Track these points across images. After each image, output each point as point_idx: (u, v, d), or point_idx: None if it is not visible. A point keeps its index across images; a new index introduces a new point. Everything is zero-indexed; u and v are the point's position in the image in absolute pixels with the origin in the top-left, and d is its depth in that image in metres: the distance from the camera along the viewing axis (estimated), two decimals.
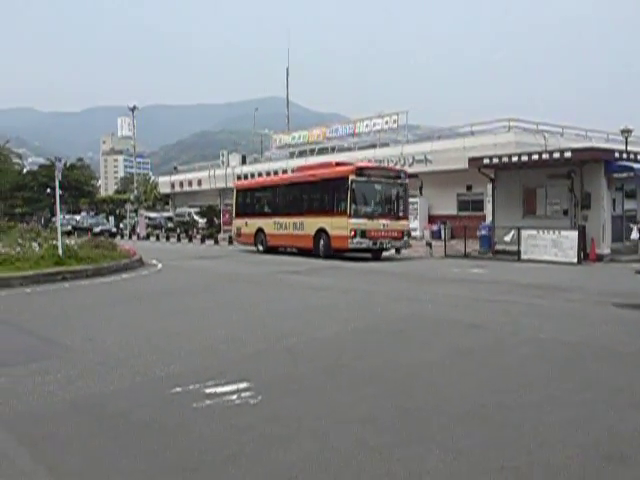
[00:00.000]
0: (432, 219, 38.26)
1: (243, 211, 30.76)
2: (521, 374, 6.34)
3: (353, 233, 21.60)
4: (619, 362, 6.92)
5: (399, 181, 23.24)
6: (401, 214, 23.32)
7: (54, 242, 17.76)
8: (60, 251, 16.71)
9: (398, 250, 24.65)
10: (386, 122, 43.19)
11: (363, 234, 21.73)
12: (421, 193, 26.29)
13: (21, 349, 7.92)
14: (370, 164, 28.07)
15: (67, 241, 19.10)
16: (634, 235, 19.76)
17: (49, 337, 8.53)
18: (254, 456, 4.24)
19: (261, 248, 28.30)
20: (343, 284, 14.89)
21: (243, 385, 5.86)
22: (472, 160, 25.19)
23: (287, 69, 67.73)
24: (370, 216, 22.13)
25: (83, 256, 17.26)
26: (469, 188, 36.95)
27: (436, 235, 33.98)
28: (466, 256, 24.30)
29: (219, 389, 5.77)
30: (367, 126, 44.75)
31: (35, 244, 17.78)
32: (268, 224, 27.66)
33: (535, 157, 22.41)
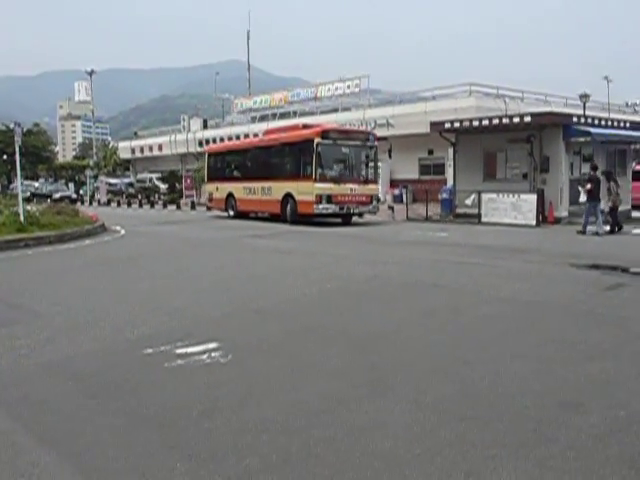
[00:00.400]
0: (394, 183, 38.51)
1: (214, 176, 30.36)
2: (482, 331, 6.60)
3: (318, 198, 21.11)
4: (575, 319, 7.22)
5: (368, 144, 22.74)
6: (370, 178, 22.97)
7: (14, 209, 17.55)
8: (22, 218, 16.52)
9: (361, 214, 23.73)
10: (348, 86, 43.09)
11: (329, 199, 21.28)
12: (390, 157, 24.45)
13: None
14: (337, 126, 27.03)
15: (28, 207, 18.86)
16: (582, 198, 20.26)
17: (16, 303, 8.55)
18: (228, 411, 4.39)
19: (232, 213, 28.12)
20: (308, 248, 15.06)
21: (212, 345, 6.00)
22: (433, 124, 25.37)
23: (248, 32, 66.62)
24: (337, 180, 21.58)
25: (45, 223, 17.11)
26: (430, 152, 37.21)
27: (398, 199, 34.25)
28: (427, 219, 24.62)
29: (189, 349, 5.90)
30: (329, 90, 44.59)
31: None
32: (238, 189, 27.47)
33: (495, 121, 22.67)
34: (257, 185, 25.76)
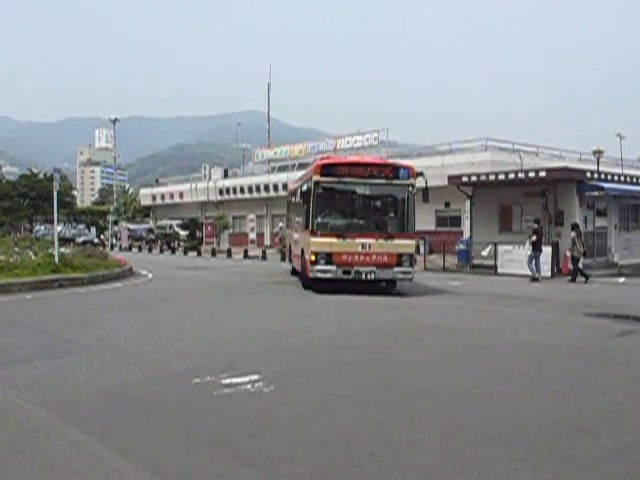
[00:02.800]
0: None
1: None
2: (502, 369, 7.18)
3: (315, 257, 15.47)
4: (587, 360, 7.81)
5: (396, 182, 15.91)
6: (399, 230, 16.11)
7: (49, 251, 18.32)
8: (56, 259, 17.27)
9: (390, 282, 16.54)
10: (367, 139, 44.19)
11: (329, 258, 15.42)
12: (426, 199, 16.63)
13: (41, 347, 8.53)
14: (343, 158, 20.16)
15: (62, 250, 19.66)
16: (527, 248, 21.22)
17: (64, 337, 9.17)
18: (277, 431, 4.96)
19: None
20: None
21: (255, 377, 6.57)
22: (451, 178, 26.11)
23: (268, 85, 68.58)
24: (341, 232, 15.55)
25: (78, 265, 17.82)
26: (447, 205, 37.89)
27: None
28: (445, 270, 25.16)
29: (234, 380, 6.46)
30: (348, 142, 45.73)
31: (31, 252, 18.32)
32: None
33: (511, 176, 23.41)
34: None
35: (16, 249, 18.54)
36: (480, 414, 5.38)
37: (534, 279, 20.12)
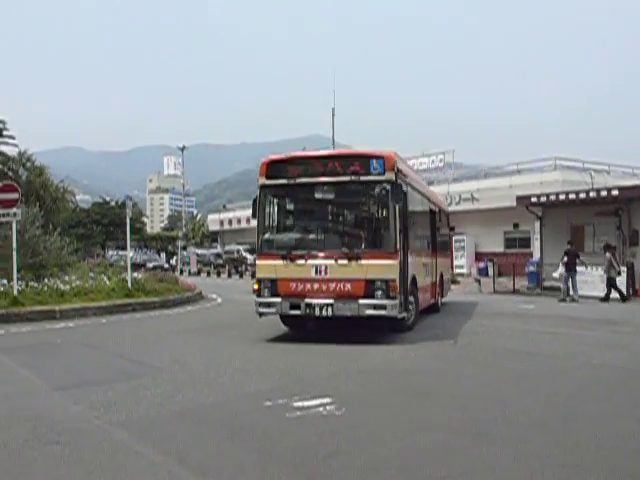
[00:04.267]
0: (479, 256, 38.66)
1: None
2: (577, 393, 7.02)
3: (257, 286, 11.58)
4: None
5: (366, 178, 11.12)
6: (369, 245, 11.25)
7: (122, 275, 18.87)
8: (129, 284, 17.75)
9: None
10: (432, 161, 43.96)
11: (274, 288, 11.33)
12: (398, 198, 11.05)
13: (116, 369, 8.79)
14: (295, 153, 13.59)
15: (134, 275, 20.21)
16: (561, 269, 21.56)
17: (138, 360, 9.41)
18: (350, 453, 4.96)
19: None
20: None
21: (326, 400, 6.58)
22: (520, 198, 25.73)
23: (333, 110, 69.00)
24: (288, 253, 11.29)
25: (150, 289, 18.29)
26: (516, 226, 37.33)
27: (483, 272, 34.33)
28: (515, 292, 24.71)
29: (305, 403, 6.50)
30: (414, 165, 45.57)
31: (105, 277, 18.90)
32: None
33: (582, 195, 22.87)
34: None
35: (91, 274, 19.20)
36: (556, 439, 5.25)
37: (562, 300, 20.87)
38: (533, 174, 36.52)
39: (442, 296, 17.76)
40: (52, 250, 19.42)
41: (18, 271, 15.66)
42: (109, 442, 5.34)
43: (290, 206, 12.59)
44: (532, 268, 26.35)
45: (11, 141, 37.56)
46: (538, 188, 30.63)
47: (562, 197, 23.56)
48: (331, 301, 10.82)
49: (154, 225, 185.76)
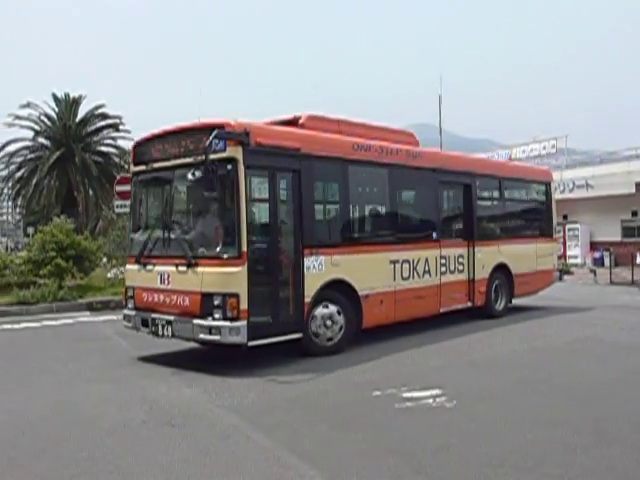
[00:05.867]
0: (594, 246, 37.09)
1: None
2: None
3: (124, 296, 9.42)
4: None
5: (212, 157, 7.65)
6: (210, 246, 8.12)
7: None
8: None
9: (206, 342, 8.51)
10: (544, 147, 42.42)
11: (132, 298, 9.06)
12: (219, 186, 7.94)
13: (225, 357, 8.94)
14: (156, 130, 9.35)
15: None
16: None
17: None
18: (460, 448, 4.86)
19: None
20: None
21: (436, 392, 6.48)
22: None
23: (440, 97, 68.00)
24: (140, 256, 8.94)
25: None
26: (634, 214, 35.53)
27: (599, 262, 32.95)
28: (633, 283, 23.51)
29: (414, 394, 6.42)
30: (524, 151, 44.12)
31: None
32: None
33: None
34: None
35: None
36: None
37: None
38: None
39: (512, 295, 13.20)
40: None
41: None
42: (222, 426, 5.49)
43: (150, 198, 9.84)
44: None
45: (127, 135, 39.03)
46: None
47: None
48: (172, 318, 8.16)
49: None
